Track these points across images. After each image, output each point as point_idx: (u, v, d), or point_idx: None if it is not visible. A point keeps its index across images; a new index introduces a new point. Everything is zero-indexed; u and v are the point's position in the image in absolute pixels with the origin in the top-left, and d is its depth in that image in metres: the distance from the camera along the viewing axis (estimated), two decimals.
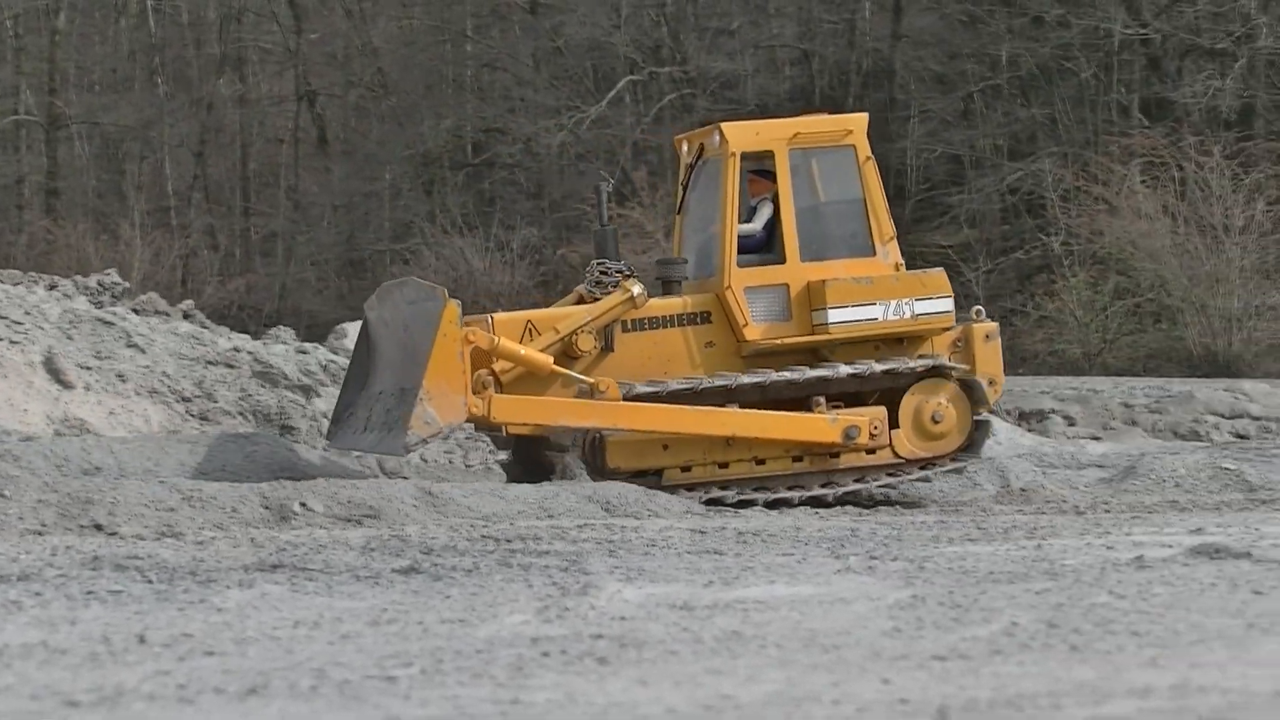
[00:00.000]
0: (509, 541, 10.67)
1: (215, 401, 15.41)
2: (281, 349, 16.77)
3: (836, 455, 13.45)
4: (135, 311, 16.79)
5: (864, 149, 13.55)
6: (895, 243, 13.68)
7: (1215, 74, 33.52)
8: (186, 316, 17.32)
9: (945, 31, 37.52)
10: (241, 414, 15.46)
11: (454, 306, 12.57)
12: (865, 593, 8.46)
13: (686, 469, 13.25)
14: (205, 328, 17.00)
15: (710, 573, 9.25)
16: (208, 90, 43.21)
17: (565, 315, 13.38)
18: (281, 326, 18.43)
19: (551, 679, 6.24)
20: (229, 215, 42.63)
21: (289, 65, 43.62)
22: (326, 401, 15.96)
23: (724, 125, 13.70)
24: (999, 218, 37.94)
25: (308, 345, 17.31)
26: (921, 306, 13.50)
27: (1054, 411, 22.27)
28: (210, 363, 15.88)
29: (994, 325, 13.99)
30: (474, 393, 12.77)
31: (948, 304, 13.65)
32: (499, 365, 13.01)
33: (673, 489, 13.10)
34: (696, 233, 14.11)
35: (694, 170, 13.97)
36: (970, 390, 13.72)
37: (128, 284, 17.93)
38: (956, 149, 37.39)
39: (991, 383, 13.78)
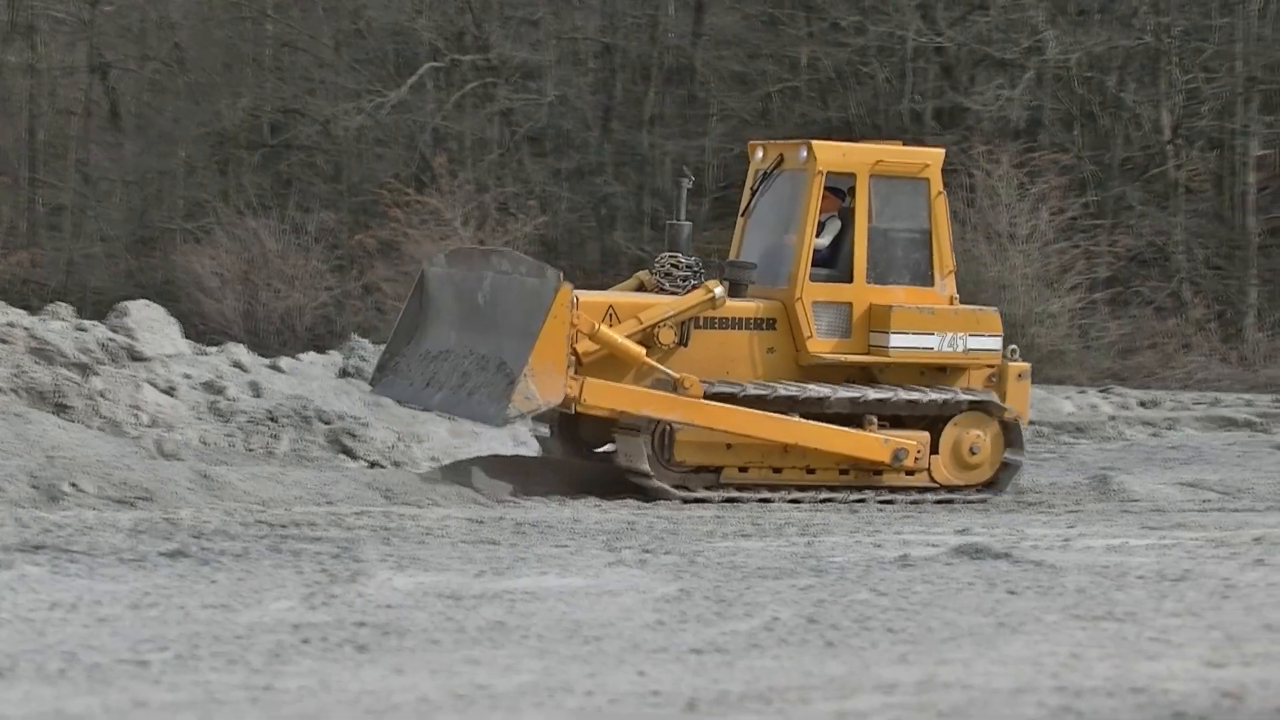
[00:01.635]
0: (283, 527, 10.59)
1: None
2: (59, 326, 16.41)
3: (879, 473, 13.97)
4: None
5: (937, 184, 14.23)
6: (953, 277, 14.36)
7: (1005, 84, 34.30)
8: None
9: (745, 32, 37.84)
10: (14, 391, 15.11)
11: (568, 290, 12.89)
12: (634, 586, 8.55)
13: (744, 470, 13.71)
14: None
15: (483, 563, 9.26)
16: None
17: (647, 305, 13.68)
18: (61, 303, 18.02)
19: (308, 666, 6.22)
20: (14, 187, 41.49)
21: (81, 36, 42.58)
22: (104, 380, 15.65)
23: (814, 143, 14.19)
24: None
25: (87, 323, 16.95)
26: (974, 342, 14.20)
27: None
28: None
29: (1027, 366, 14.67)
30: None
31: (997, 342, 14.34)
32: (582, 346, 13.26)
33: (728, 487, 13.59)
34: (762, 239, 14.51)
35: (767, 177, 14.43)
36: (1009, 431, 14.26)
37: None
38: None
39: (1017, 420, 14.37)
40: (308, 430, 15.80)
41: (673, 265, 14.02)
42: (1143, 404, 24.75)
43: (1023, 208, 31.55)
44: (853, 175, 14.05)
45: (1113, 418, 22.94)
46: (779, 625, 7.42)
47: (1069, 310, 31.31)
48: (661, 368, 13.47)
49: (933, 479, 14.11)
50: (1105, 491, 14.92)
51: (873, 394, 13.87)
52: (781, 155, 14.35)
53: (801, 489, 13.78)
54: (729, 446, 13.60)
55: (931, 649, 6.93)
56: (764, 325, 13.95)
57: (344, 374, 19.01)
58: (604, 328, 13.31)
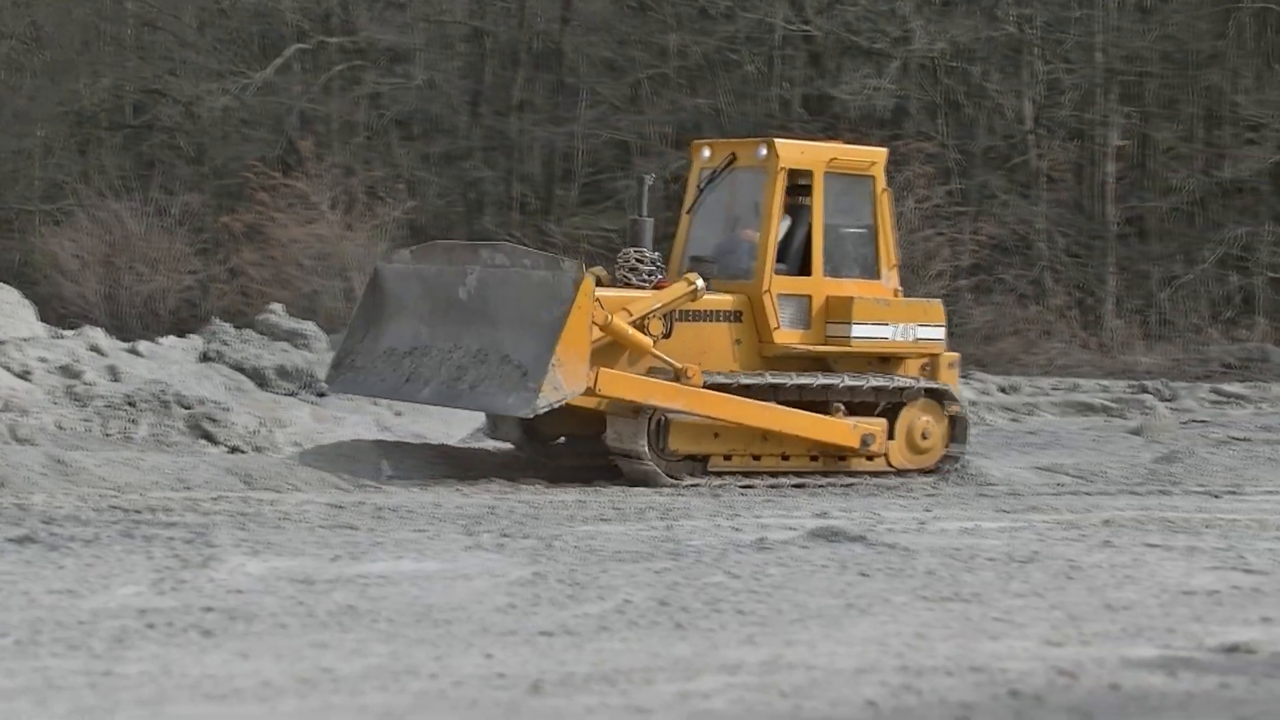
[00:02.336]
0: (137, 513, 10.49)
1: None
2: None
3: (844, 459, 14.75)
4: None
5: (882, 181, 15.06)
6: (897, 270, 15.22)
7: (872, 73, 34.64)
8: None
9: (614, 17, 37.88)
10: None
11: (590, 281, 13.29)
12: (489, 569, 8.56)
13: (728, 458, 14.30)
14: None
15: (339, 547, 9.24)
16: None
17: (632, 299, 14.08)
18: None
19: (151, 651, 6.17)
20: None
21: None
22: None
23: (776, 141, 14.76)
24: (663, 204, 38.49)
25: None
26: (922, 332, 15.14)
27: None
28: None
29: (957, 355, 15.69)
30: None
31: (941, 333, 15.34)
32: None
33: (717, 474, 14.18)
34: (714, 234, 15.17)
35: (716, 175, 15.00)
36: (954, 426, 15.17)
37: None
38: (624, 135, 37.86)
39: (965, 414, 15.43)
40: (167, 415, 15.64)
41: (638, 260, 14.44)
42: (1003, 389, 25.12)
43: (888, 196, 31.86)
44: (810, 172, 14.69)
45: (973, 403, 23.26)
46: (630, 608, 7.47)
47: (933, 297, 31.66)
48: (666, 358, 13.99)
49: (889, 463, 14.87)
50: (963, 475, 15.15)
51: (875, 381, 14.72)
52: (734, 154, 14.95)
53: (775, 475, 14.41)
54: (716, 435, 14.16)
55: (779, 630, 7.01)
56: (733, 317, 14.56)
57: (205, 358, 18.84)
58: (615, 319, 13.80)
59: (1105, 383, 26.69)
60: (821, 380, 14.54)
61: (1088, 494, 14.02)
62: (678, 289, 14.15)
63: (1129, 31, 34.86)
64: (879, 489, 14.34)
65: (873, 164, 15.01)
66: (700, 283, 14.22)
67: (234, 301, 33.84)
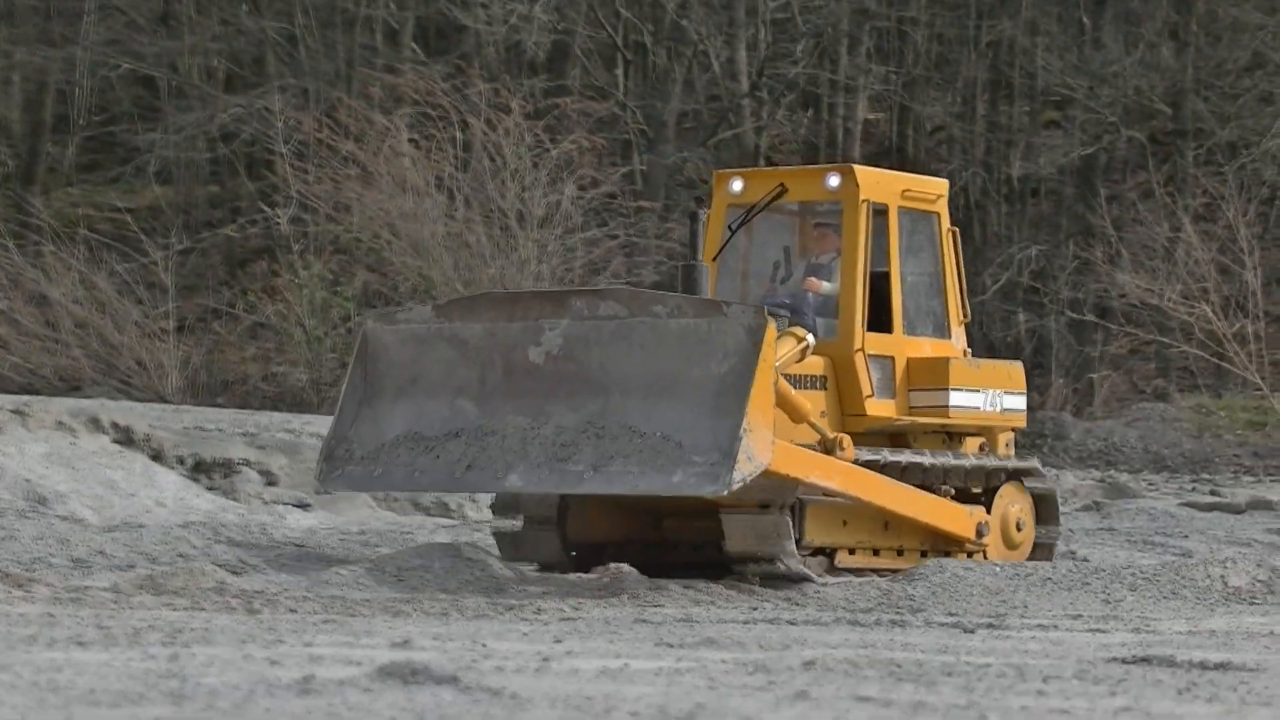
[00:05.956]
0: None
1: None
2: None
3: (948, 554, 17.47)
4: None
5: (945, 218, 17.91)
6: (964, 328, 18.07)
7: None
8: None
9: None
10: None
11: (773, 326, 15.20)
12: None
13: (852, 552, 17.00)
14: None
15: None
16: None
17: None
18: None
19: None
20: None
21: None
22: None
23: (856, 168, 17.56)
24: (206, 174, 38.45)
25: None
26: (1008, 400, 18.00)
27: (247, 463, 22.81)
28: None
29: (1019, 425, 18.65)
30: None
31: (1024, 401, 18.31)
32: None
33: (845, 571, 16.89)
34: (752, 287, 17.97)
35: (753, 212, 17.67)
36: (1042, 507, 18.26)
37: None
38: (150, 67, 37.65)
39: (1054, 491, 18.59)
40: None
41: None
42: None
43: (538, 177, 32.30)
44: (885, 206, 17.46)
45: None
46: None
47: None
48: (821, 427, 16.46)
49: (986, 559, 17.58)
50: (617, 590, 15.50)
51: (993, 462, 17.84)
52: (783, 185, 17.60)
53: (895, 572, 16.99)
54: (845, 523, 16.85)
55: None
56: (819, 384, 17.08)
57: None
58: (781, 380, 15.88)
59: None
60: (972, 461, 17.49)
61: (791, 623, 14.45)
62: (787, 345, 16.31)
63: None
64: (494, 608, 14.61)
65: (938, 197, 17.85)
66: (810, 339, 16.55)
67: None
